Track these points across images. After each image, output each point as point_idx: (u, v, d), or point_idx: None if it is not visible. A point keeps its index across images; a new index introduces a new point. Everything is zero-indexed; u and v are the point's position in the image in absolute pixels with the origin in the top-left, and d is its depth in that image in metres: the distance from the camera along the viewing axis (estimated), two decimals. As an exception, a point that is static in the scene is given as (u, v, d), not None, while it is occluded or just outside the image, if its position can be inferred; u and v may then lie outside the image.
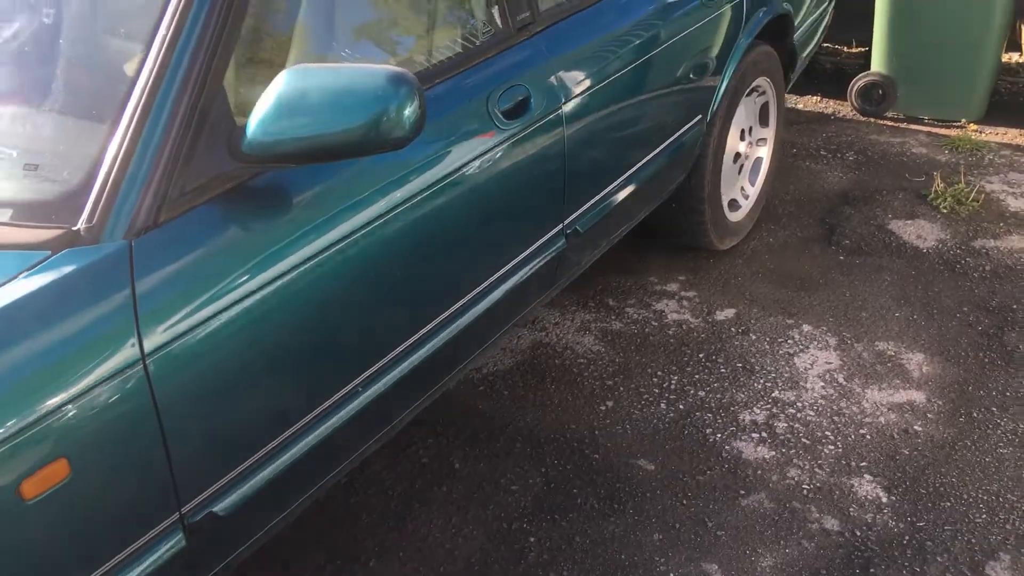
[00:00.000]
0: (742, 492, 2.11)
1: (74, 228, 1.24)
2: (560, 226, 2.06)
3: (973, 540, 1.98)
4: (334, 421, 1.54)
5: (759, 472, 2.16)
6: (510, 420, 2.33)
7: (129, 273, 1.23)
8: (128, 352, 1.21)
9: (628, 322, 2.71)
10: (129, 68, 1.36)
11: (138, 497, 1.28)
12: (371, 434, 1.72)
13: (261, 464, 1.44)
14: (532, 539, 2.00)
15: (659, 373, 2.50)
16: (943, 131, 3.95)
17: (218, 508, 1.38)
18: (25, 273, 1.19)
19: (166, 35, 1.34)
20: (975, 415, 2.33)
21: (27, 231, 1.25)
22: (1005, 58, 4.48)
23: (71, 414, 1.15)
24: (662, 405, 2.38)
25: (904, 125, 4.04)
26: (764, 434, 2.28)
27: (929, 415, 2.33)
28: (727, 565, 1.93)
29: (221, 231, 1.35)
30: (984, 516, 2.04)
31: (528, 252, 1.97)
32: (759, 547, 1.97)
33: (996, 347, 2.58)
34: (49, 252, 1.22)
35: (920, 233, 3.16)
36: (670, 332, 2.67)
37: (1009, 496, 2.09)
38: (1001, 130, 3.98)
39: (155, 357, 1.24)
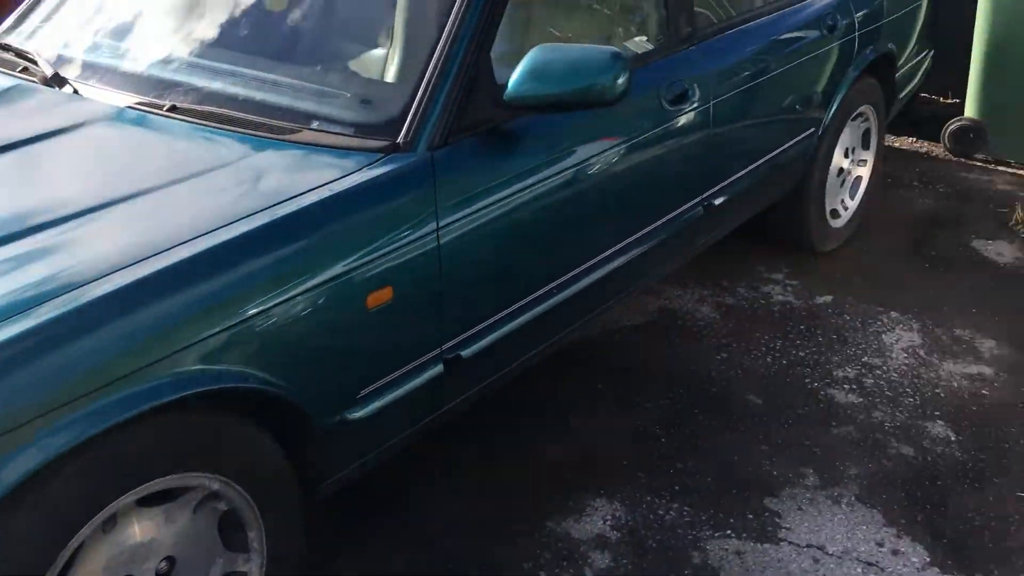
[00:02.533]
0: (834, 424, 2.60)
1: (397, 141, 1.84)
2: (700, 197, 2.61)
3: (1025, 471, 2.43)
4: (544, 305, 2.12)
5: (848, 412, 2.65)
6: (643, 360, 2.86)
7: (432, 171, 1.83)
8: (429, 221, 1.80)
9: (739, 299, 3.23)
10: (427, 46, 1.96)
11: (422, 328, 1.86)
12: (564, 326, 2.28)
13: (496, 324, 2.02)
14: (663, 440, 2.52)
15: (765, 337, 3.00)
16: (1028, 173, 4.39)
17: (465, 352, 1.95)
18: (368, 166, 1.79)
19: (456, 21, 1.94)
20: (1036, 387, 2.78)
21: (367, 141, 1.85)
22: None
23: (396, 254, 1.74)
24: (768, 359, 2.89)
25: (992, 167, 4.47)
26: (854, 386, 2.76)
27: (996, 384, 2.79)
28: (820, 471, 2.42)
29: (484, 154, 1.95)
30: (1037, 456, 2.48)
31: (677, 212, 2.52)
32: (847, 461, 2.45)
33: (1060, 341, 3.02)
34: (382, 155, 1.82)
35: (999, 251, 3.61)
36: (775, 308, 3.17)
37: (1060, 445, 2.53)
38: (1083, 176, 4.39)
39: (444, 227, 1.82)
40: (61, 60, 2.22)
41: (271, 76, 2.02)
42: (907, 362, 2.88)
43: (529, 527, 2.21)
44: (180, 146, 1.89)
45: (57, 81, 2.14)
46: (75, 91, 2.11)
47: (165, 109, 1.97)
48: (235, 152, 1.86)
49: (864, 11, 3.27)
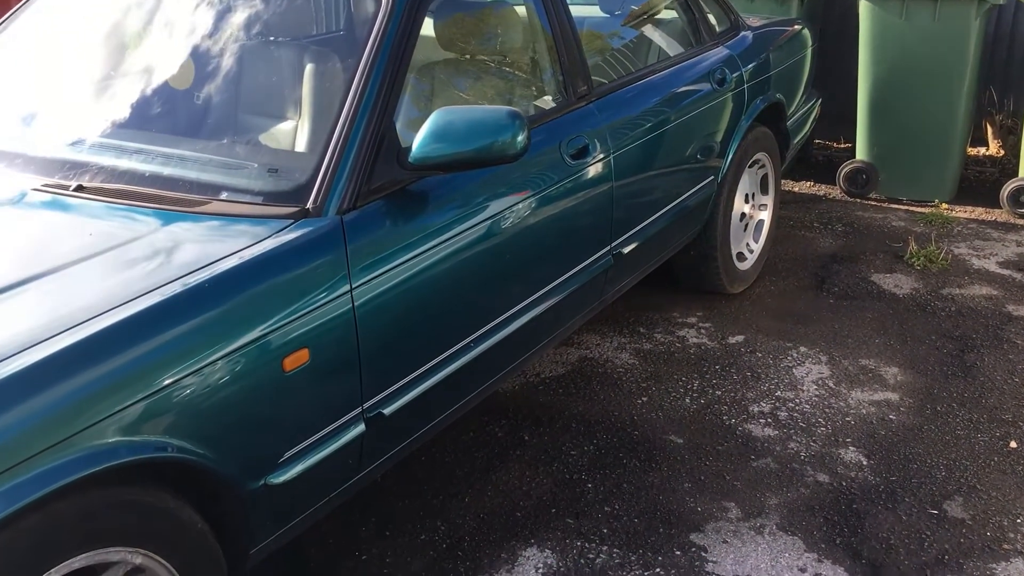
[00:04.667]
0: (752, 457, 2.68)
1: (306, 207, 1.89)
2: (608, 247, 2.70)
3: (934, 488, 2.53)
4: (462, 360, 2.16)
5: (766, 445, 2.73)
6: (565, 408, 2.92)
7: (342, 235, 1.87)
8: (342, 283, 1.84)
9: (656, 343, 3.32)
10: (332, 114, 2.03)
11: (342, 388, 1.88)
12: (484, 378, 2.32)
13: (416, 381, 2.05)
14: (589, 485, 2.56)
15: (683, 379, 3.09)
16: (919, 209, 4.64)
17: (386, 409, 1.98)
18: (278, 232, 1.83)
19: (358, 90, 2.01)
20: (939, 409, 2.91)
21: (276, 208, 1.89)
22: (972, 151, 5.22)
23: (310, 317, 1.77)
24: (687, 400, 2.97)
25: (885, 204, 4.72)
26: (769, 420, 2.86)
27: (902, 408, 2.91)
28: (742, 503, 2.49)
29: (392, 216, 2.00)
30: (943, 473, 2.60)
31: (586, 263, 2.61)
32: (767, 492, 2.53)
33: (957, 364, 3.18)
34: (292, 220, 1.86)
35: (897, 283, 3.79)
36: (691, 351, 3.27)
37: (964, 461, 2.65)
38: (969, 208, 4.66)
39: (357, 288, 1.86)
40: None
41: (177, 151, 2.06)
42: (818, 393, 3.00)
43: (462, 582, 2.22)
44: (90, 224, 1.90)
45: (-41, 167, 2.14)
46: (-22, 176, 2.11)
47: (72, 189, 1.99)
48: (145, 226, 1.88)
49: (751, 65, 3.46)
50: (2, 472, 1.37)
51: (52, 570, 1.45)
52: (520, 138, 2.00)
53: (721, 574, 2.24)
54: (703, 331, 3.41)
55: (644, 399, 2.98)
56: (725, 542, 2.34)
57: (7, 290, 1.68)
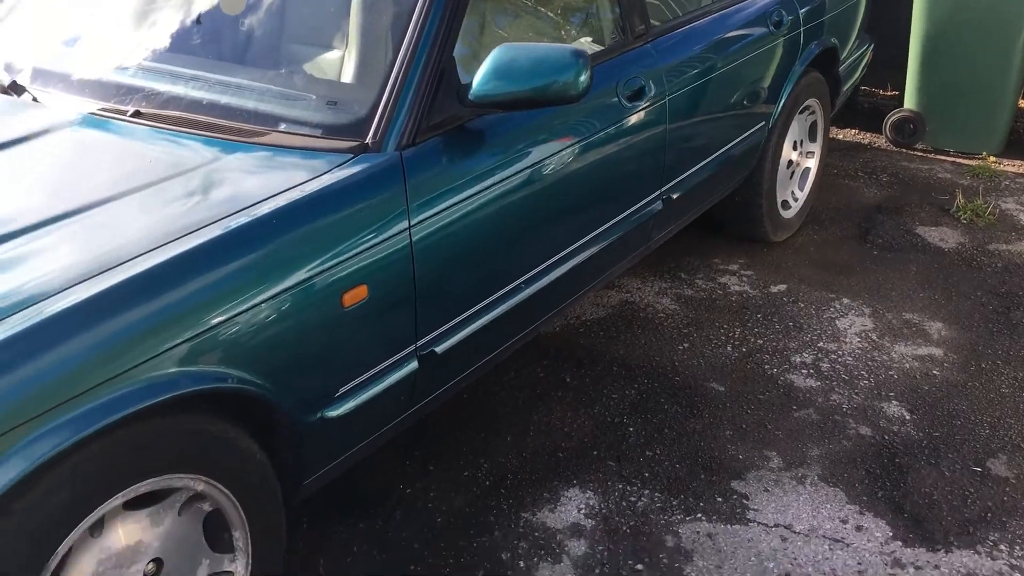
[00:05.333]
0: (794, 408, 2.67)
1: (365, 142, 1.87)
2: (659, 191, 2.67)
3: (977, 445, 2.52)
4: (513, 300, 2.15)
5: (808, 395, 2.73)
6: (606, 351, 2.92)
7: (401, 170, 1.85)
8: (400, 220, 1.82)
9: (698, 290, 3.30)
10: (393, 46, 1.99)
11: (397, 325, 1.88)
12: (533, 319, 2.33)
13: (468, 320, 2.05)
14: (631, 429, 2.57)
15: (725, 326, 3.08)
16: (966, 161, 4.54)
17: (439, 347, 1.98)
18: (338, 166, 1.81)
19: (419, 21, 1.97)
20: (983, 366, 2.89)
21: (335, 142, 1.87)
22: (1023, 104, 5.08)
23: (369, 253, 1.76)
24: (728, 348, 2.96)
25: (932, 155, 4.63)
26: (811, 371, 2.84)
27: (946, 364, 2.89)
28: (784, 453, 2.49)
29: (450, 153, 1.98)
30: (987, 431, 2.58)
31: (637, 207, 2.58)
32: (808, 442, 2.53)
33: (1003, 321, 3.14)
34: (351, 155, 1.84)
35: (943, 237, 3.74)
36: (733, 299, 3.25)
37: (1008, 420, 2.63)
38: (1018, 162, 4.56)
39: (415, 226, 1.85)
40: (18, 67, 2.20)
41: (235, 80, 2.03)
42: (861, 346, 2.98)
43: (506, 519, 2.25)
44: (148, 151, 1.89)
45: (15, 89, 2.12)
46: (34, 99, 2.10)
47: (129, 115, 1.97)
48: (204, 156, 1.86)
49: (807, 7, 3.37)
50: (67, 401, 1.38)
51: (119, 494, 1.47)
52: (583, 78, 1.96)
53: (763, 522, 2.25)
54: (745, 279, 3.39)
55: (685, 345, 2.97)
56: (766, 491, 2.35)
57: (66, 217, 1.67)
